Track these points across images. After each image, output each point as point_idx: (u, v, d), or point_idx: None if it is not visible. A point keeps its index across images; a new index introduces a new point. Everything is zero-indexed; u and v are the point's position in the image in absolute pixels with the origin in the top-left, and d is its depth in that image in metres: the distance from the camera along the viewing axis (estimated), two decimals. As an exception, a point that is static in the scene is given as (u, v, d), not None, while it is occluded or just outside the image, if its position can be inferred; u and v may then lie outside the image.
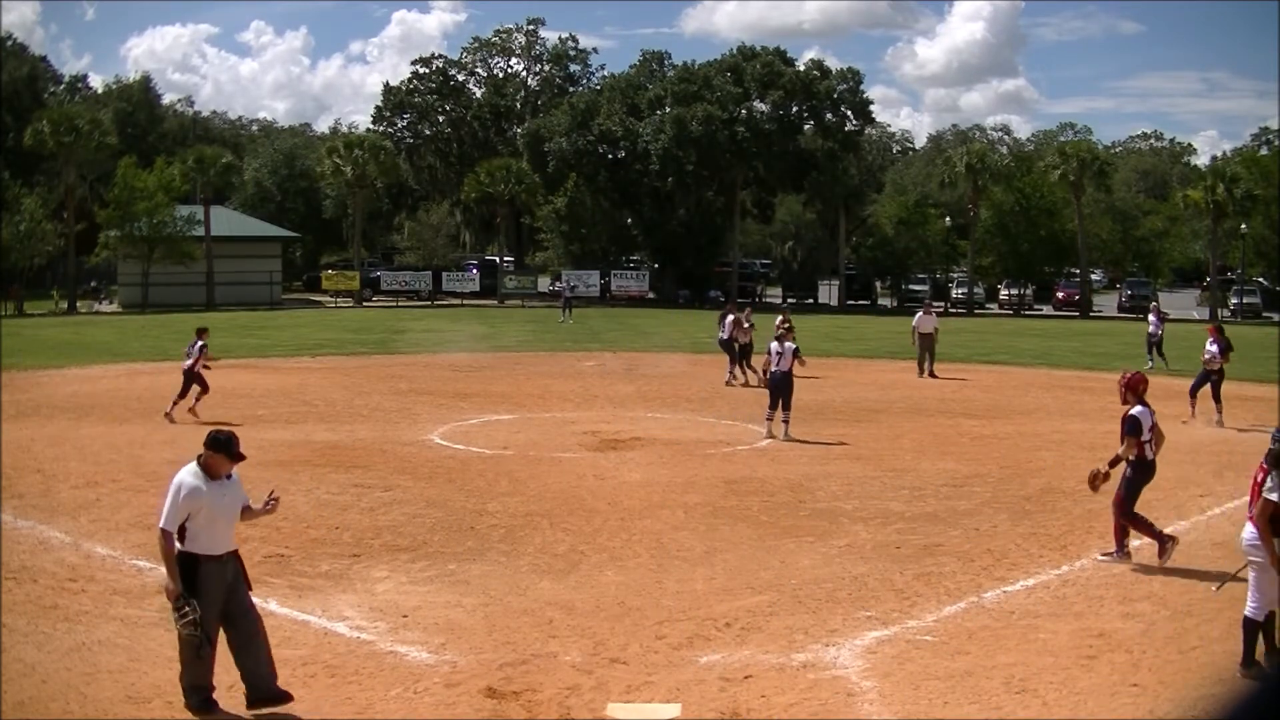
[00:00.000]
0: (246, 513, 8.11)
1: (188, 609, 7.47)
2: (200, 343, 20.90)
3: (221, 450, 7.80)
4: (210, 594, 7.61)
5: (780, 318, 28.69)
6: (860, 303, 69.51)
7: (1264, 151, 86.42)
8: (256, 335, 40.42)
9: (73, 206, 59.20)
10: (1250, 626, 8.59)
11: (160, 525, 7.68)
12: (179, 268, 56.27)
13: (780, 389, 19.09)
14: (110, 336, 39.86)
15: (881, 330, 46.86)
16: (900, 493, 14.86)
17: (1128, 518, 11.52)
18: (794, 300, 69.72)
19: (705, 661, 8.71)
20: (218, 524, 7.74)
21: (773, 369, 19.27)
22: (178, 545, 7.65)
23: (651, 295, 66.95)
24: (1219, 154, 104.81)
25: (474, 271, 70.37)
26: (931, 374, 28.63)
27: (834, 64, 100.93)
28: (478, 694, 8.06)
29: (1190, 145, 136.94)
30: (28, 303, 54.43)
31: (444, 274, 67.38)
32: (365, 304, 61.63)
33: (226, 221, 63.71)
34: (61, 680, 8.20)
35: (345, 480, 14.97)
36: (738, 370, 26.75)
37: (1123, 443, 11.53)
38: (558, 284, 59.43)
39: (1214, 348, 21.69)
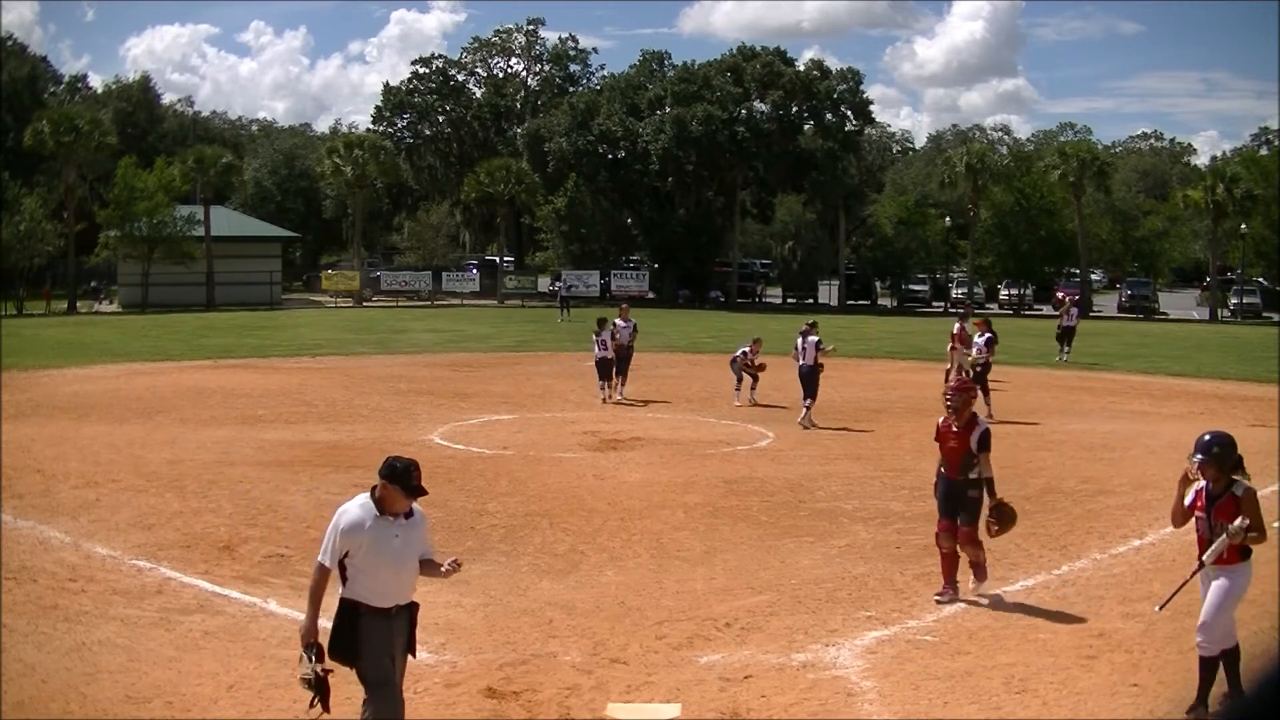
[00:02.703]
0: (427, 566, 6.65)
1: (309, 659, 6.34)
2: (604, 334, 23.15)
3: (397, 482, 6.39)
4: (371, 651, 6.39)
5: (965, 323, 28.48)
6: (860, 303, 69.49)
7: (1264, 151, 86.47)
8: (256, 335, 40.43)
9: (73, 206, 59.17)
10: None
11: (319, 557, 6.58)
12: (179, 268, 56.25)
13: (807, 380, 20.40)
14: (110, 336, 39.84)
15: (881, 330, 46.83)
16: (900, 493, 14.86)
17: (973, 542, 10.48)
18: (794, 300, 69.76)
19: (705, 661, 8.71)
20: (381, 569, 6.40)
21: (800, 362, 20.50)
22: (342, 589, 6.47)
23: (651, 295, 66.92)
24: (1219, 154, 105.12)
25: (474, 271, 70.55)
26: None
27: (834, 64, 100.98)
28: (478, 694, 8.06)
29: (1190, 145, 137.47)
30: (27, 303, 54.48)
31: (444, 274, 67.49)
32: (365, 304, 61.65)
33: (226, 221, 63.67)
34: (61, 680, 8.19)
35: (345, 480, 14.94)
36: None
37: (982, 463, 10.60)
38: (557, 284, 59.43)
39: (981, 340, 22.05)
